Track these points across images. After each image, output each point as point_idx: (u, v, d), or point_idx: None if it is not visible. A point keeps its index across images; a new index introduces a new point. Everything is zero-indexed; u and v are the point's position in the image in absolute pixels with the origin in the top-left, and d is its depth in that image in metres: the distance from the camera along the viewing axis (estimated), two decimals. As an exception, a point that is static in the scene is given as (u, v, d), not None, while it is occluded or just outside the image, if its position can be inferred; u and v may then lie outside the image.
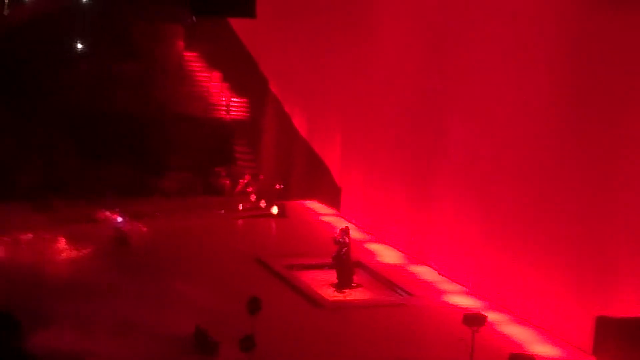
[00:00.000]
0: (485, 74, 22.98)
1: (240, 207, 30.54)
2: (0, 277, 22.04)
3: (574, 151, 20.19)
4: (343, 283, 23.53)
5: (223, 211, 29.72)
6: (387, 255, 26.47)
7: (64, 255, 24.70)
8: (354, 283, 23.74)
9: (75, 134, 31.86)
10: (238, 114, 35.32)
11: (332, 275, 23.73)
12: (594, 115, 19.72)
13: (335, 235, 24.00)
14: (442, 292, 23.40)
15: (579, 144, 20.12)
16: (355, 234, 28.46)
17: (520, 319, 21.36)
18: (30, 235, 25.59)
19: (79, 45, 34.00)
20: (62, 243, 25.52)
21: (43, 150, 31.30)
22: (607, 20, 19.34)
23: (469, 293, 23.16)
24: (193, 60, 36.48)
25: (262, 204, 30.67)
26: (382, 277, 24.39)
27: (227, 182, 32.98)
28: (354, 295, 23.24)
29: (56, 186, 29.93)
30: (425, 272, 24.88)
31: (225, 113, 35.28)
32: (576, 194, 20.07)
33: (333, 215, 30.56)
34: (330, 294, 22.98)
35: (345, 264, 23.68)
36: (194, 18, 36.19)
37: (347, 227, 24.43)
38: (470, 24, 23.63)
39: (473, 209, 23.37)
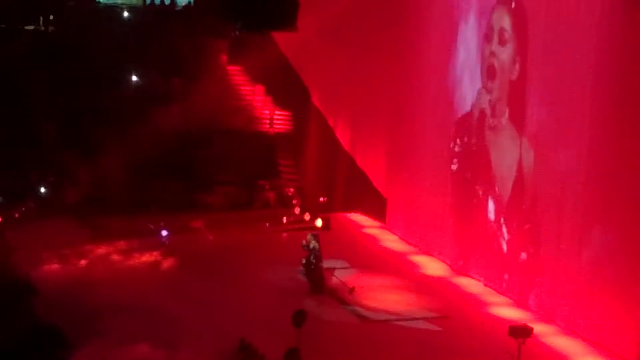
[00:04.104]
0: (530, 83, 22.89)
1: (285, 220, 30.62)
2: (48, 293, 22.25)
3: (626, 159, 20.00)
4: (314, 288, 23.38)
5: (268, 224, 29.79)
6: (432, 267, 26.41)
7: (110, 269, 24.91)
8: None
9: (121, 149, 32.20)
10: (281, 127, 35.49)
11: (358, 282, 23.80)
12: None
13: (303, 241, 23.85)
14: (487, 304, 23.29)
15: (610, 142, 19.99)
16: (400, 245, 28.61)
17: (568, 331, 21.18)
18: (76, 251, 25.87)
19: (125, 62, 34.32)
20: (108, 258, 25.79)
21: (89, 166, 31.66)
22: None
23: (515, 305, 23.01)
24: (236, 74, 36.74)
25: (307, 216, 30.73)
26: (425, 289, 24.34)
27: (271, 195, 33.11)
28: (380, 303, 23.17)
29: (103, 202, 30.28)
30: (470, 284, 24.79)
31: (268, 126, 35.46)
32: (625, 202, 19.82)
33: (377, 227, 30.59)
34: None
35: (315, 269, 23.52)
36: (237, 32, 36.63)
37: (316, 233, 24.29)
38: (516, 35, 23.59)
39: (519, 219, 23.22)
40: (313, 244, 23.61)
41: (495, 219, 24.26)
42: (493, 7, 24.49)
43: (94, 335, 19.55)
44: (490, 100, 24.54)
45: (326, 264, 24.19)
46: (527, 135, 22.92)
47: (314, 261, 23.57)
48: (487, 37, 24.65)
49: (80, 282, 23.46)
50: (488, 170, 24.61)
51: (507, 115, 23.75)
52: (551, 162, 22.11)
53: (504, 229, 23.84)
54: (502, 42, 24.01)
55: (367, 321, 21.86)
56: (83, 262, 25.26)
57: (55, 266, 24.68)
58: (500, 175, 24.13)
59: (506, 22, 23.96)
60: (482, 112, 24.90)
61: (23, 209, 29.36)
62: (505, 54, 23.89)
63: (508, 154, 23.71)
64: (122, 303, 21.98)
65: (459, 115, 26.04)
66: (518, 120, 23.31)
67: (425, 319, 22.12)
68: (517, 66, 23.33)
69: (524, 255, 23.00)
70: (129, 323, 20.67)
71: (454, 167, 26.37)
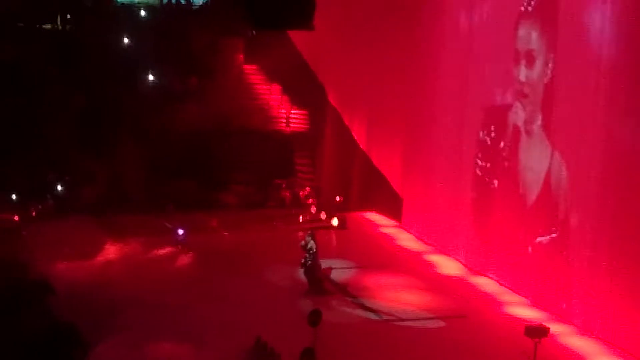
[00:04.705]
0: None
1: (301, 219, 30.65)
2: (65, 291, 22.34)
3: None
4: (313, 288, 23.35)
5: (278, 223, 29.78)
6: (447, 266, 26.39)
7: (127, 268, 25.00)
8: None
9: (138, 149, 32.32)
10: (298, 126, 35.51)
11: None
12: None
13: (302, 242, 23.79)
14: (503, 304, 23.25)
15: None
16: (416, 245, 28.58)
17: (584, 331, 21.12)
18: (93, 249, 25.98)
19: (142, 61, 34.39)
20: (125, 256, 25.89)
21: (108, 165, 31.79)
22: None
23: (531, 305, 22.96)
24: (253, 73, 36.78)
25: (323, 215, 30.75)
26: (441, 288, 24.31)
27: (287, 194, 33.15)
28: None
29: (120, 200, 30.40)
30: (486, 284, 24.75)
31: (285, 125, 35.48)
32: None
33: (393, 226, 30.58)
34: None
35: (312, 269, 23.51)
36: (253, 32, 36.66)
37: (313, 232, 24.24)
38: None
39: (537, 219, 23.14)
40: (311, 244, 23.55)
41: (516, 222, 24.09)
42: (517, 22, 23.96)
43: (110, 333, 19.63)
44: (525, 104, 23.97)
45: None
46: (559, 147, 22.49)
47: (311, 261, 23.50)
48: (514, 60, 24.01)
49: (97, 280, 23.57)
50: (514, 172, 24.39)
51: (539, 122, 23.38)
52: (580, 173, 21.77)
53: (525, 235, 23.66)
54: (529, 65, 23.49)
55: (383, 321, 21.83)
56: (100, 260, 25.35)
57: (72, 264, 24.76)
58: (526, 178, 23.88)
59: (534, 41, 23.37)
60: (517, 113, 24.37)
61: (40, 207, 29.52)
62: (535, 71, 23.39)
63: (537, 160, 23.36)
64: (139, 301, 22.10)
65: (486, 108, 25.78)
66: (550, 129, 22.88)
67: (441, 318, 22.09)
68: (550, 67, 22.85)
69: (540, 254, 22.92)
70: (145, 321, 20.81)
71: (469, 165, 26.27)
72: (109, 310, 21.23)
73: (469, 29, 26.37)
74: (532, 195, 23.46)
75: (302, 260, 23.65)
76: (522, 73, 23.74)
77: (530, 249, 23.42)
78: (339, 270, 24.90)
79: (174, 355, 18.93)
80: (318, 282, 23.46)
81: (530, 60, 23.41)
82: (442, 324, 21.75)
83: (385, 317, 21.97)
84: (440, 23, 27.86)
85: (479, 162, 25.92)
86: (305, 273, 23.57)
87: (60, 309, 20.79)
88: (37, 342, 17.91)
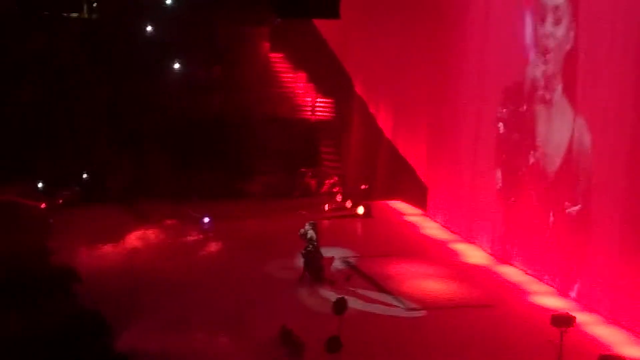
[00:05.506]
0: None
1: (326, 207, 30.64)
2: (91, 279, 22.46)
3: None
4: (314, 278, 23.17)
5: (304, 212, 29.74)
6: (473, 255, 26.29)
7: (153, 255, 25.10)
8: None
9: (163, 138, 32.43)
10: (323, 114, 35.47)
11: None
12: None
13: (301, 230, 23.52)
14: (529, 293, 23.13)
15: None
16: (441, 233, 28.51)
17: (611, 320, 20.98)
18: (119, 237, 26.09)
19: (168, 50, 34.44)
20: (151, 244, 25.98)
21: (133, 154, 31.92)
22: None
23: (557, 294, 22.84)
24: (278, 62, 36.74)
25: (348, 204, 30.73)
26: (466, 277, 24.22)
27: (313, 182, 33.14)
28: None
29: (146, 189, 30.52)
30: (512, 273, 24.64)
31: (310, 114, 35.45)
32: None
33: (418, 215, 30.52)
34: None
35: (313, 259, 23.36)
36: (279, 20, 36.58)
37: (314, 222, 23.99)
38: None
39: (561, 205, 22.98)
40: (310, 233, 23.36)
41: (539, 198, 23.86)
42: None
43: (135, 321, 19.70)
44: (544, 72, 23.76)
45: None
46: (584, 114, 22.15)
47: (311, 250, 23.35)
48: (539, 17, 23.80)
49: (122, 268, 23.65)
50: (533, 144, 24.13)
51: (560, 89, 23.09)
52: (607, 144, 21.36)
53: (550, 212, 23.45)
54: (557, 22, 23.23)
55: (407, 309, 21.78)
56: (126, 247, 25.45)
57: (98, 252, 24.89)
58: (546, 151, 23.68)
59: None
60: (534, 83, 24.20)
61: (67, 195, 29.69)
62: (560, 30, 23.12)
63: (557, 130, 23.11)
64: (164, 288, 22.18)
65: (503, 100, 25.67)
66: (573, 96, 22.58)
67: (466, 307, 22.01)
68: (572, 35, 22.60)
69: (566, 242, 22.76)
70: (171, 308, 20.86)
71: (496, 153, 26.12)
72: (134, 298, 21.31)
73: (492, 15, 26.22)
74: (554, 169, 23.24)
75: (303, 250, 23.41)
76: (548, 29, 23.45)
77: (550, 228, 23.25)
78: (364, 259, 24.87)
79: (199, 341, 18.96)
80: (318, 271, 23.32)
81: (557, 19, 23.16)
82: (467, 313, 21.66)
83: (410, 305, 21.91)
84: (467, 11, 27.71)
85: (505, 147, 25.76)
86: (306, 263, 23.41)
87: (86, 297, 20.94)
88: (62, 330, 18.01)
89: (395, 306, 21.90)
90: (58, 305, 19.24)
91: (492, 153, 26.32)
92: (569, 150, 22.65)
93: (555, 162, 23.37)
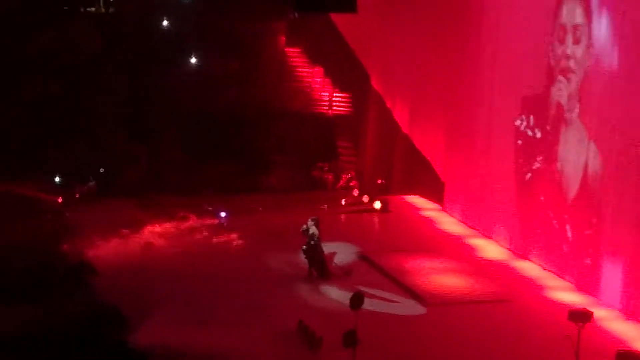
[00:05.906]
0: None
1: (343, 202, 30.60)
2: (107, 273, 22.51)
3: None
4: (319, 274, 23.07)
5: (326, 206, 29.72)
6: (490, 250, 26.18)
7: (169, 249, 25.12)
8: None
9: (180, 132, 32.46)
10: (340, 109, 35.40)
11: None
12: None
13: (303, 226, 23.40)
14: (546, 288, 23.03)
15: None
16: (458, 228, 28.41)
17: (628, 316, 20.86)
18: (136, 230, 26.12)
19: (184, 44, 34.46)
20: (167, 238, 26.01)
21: (149, 148, 31.96)
22: None
23: (575, 289, 22.73)
24: (295, 56, 36.67)
25: (365, 199, 30.67)
26: (483, 272, 24.13)
27: (329, 177, 33.11)
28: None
29: (161, 182, 30.56)
30: (529, 268, 24.53)
31: (327, 108, 35.40)
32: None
33: (435, 209, 30.43)
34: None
35: (315, 254, 23.25)
36: (295, 14, 36.51)
37: (317, 218, 23.82)
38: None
39: (584, 221, 22.82)
40: (312, 229, 23.29)
41: (558, 216, 23.81)
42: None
43: (152, 314, 19.73)
44: (567, 92, 23.55)
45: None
46: (595, 138, 22.15)
47: (314, 246, 23.21)
48: (558, 37, 23.59)
49: (139, 261, 23.70)
50: (554, 162, 24.07)
51: (577, 111, 23.05)
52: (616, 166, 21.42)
53: (568, 229, 23.41)
54: (576, 41, 23.02)
55: (425, 304, 21.71)
56: (142, 241, 25.46)
57: (114, 246, 24.92)
58: (565, 170, 23.56)
59: (579, 17, 22.91)
60: (559, 102, 23.95)
61: (83, 189, 29.76)
62: (580, 49, 22.96)
63: (574, 152, 23.03)
64: (181, 282, 22.18)
65: (525, 95, 25.52)
66: (587, 119, 22.55)
67: (484, 302, 21.92)
68: (590, 52, 22.47)
69: (583, 238, 22.67)
70: (187, 302, 20.88)
71: (514, 148, 26.02)
72: (151, 291, 21.34)
73: (511, 11, 26.09)
74: (573, 190, 23.14)
75: (305, 246, 23.29)
76: (569, 49, 23.29)
77: (570, 234, 23.21)
78: (381, 253, 24.84)
79: (216, 335, 18.96)
80: (319, 267, 23.23)
81: (576, 37, 22.99)
82: (485, 308, 21.57)
83: (428, 300, 21.84)
84: (484, 6, 27.58)
85: (523, 144, 25.66)
86: (306, 257, 23.34)
87: (103, 290, 21.00)
88: (79, 323, 18.07)
89: (411, 300, 21.83)
90: (75, 299, 19.32)
91: (509, 148, 26.18)
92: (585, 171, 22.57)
93: (572, 175, 23.18)
